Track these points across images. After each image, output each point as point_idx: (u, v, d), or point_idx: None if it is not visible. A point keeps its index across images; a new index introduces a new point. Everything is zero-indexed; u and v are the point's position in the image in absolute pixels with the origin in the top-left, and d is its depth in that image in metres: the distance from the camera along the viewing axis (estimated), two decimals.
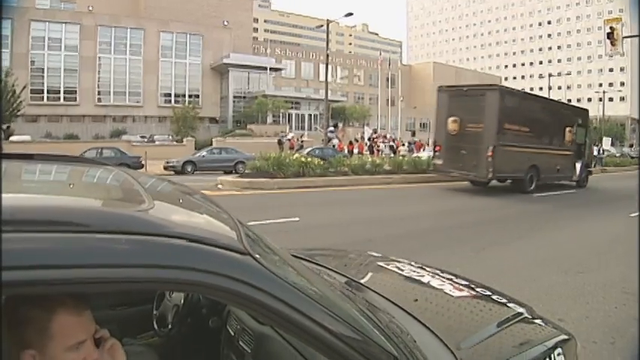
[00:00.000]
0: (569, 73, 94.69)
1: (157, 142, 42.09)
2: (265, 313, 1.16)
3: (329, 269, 2.46)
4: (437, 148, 18.20)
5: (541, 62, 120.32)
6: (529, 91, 30.09)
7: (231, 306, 1.16)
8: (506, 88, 19.88)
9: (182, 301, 2.51)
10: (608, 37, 20.66)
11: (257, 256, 1.20)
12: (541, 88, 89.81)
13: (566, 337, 2.15)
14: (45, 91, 51.05)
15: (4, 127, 34.75)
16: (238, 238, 1.23)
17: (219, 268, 1.10)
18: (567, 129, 19.67)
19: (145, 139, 43.73)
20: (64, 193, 1.46)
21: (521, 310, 2.37)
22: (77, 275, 0.99)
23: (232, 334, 2.33)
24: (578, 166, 20.68)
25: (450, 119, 16.99)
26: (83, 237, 1.02)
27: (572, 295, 6.02)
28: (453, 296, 2.49)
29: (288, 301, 1.17)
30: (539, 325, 2.26)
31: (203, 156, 28.08)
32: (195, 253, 1.09)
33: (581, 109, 23.23)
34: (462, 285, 2.67)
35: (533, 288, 6.05)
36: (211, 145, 34.86)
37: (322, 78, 47.61)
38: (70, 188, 1.55)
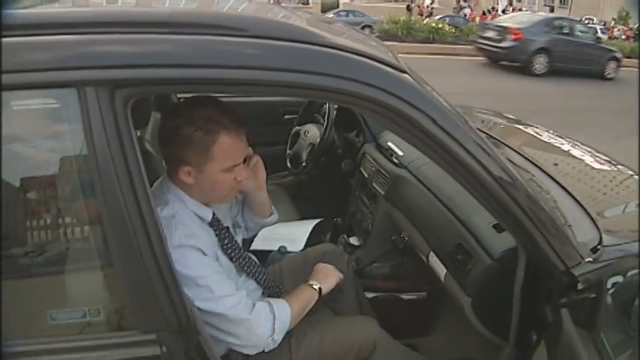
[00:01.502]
0: None
1: (282, 4, 41.66)
2: (419, 135, 1.14)
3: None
4: None
5: None
6: None
7: (386, 125, 1.14)
8: None
9: (318, 140, 2.52)
10: None
11: (415, 76, 1.17)
12: None
13: None
14: None
15: None
16: (396, 59, 1.19)
17: (378, 82, 1.08)
18: None
19: (271, 0, 43.47)
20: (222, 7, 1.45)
21: None
22: (235, 76, 1.02)
23: (366, 176, 2.35)
24: None
25: None
26: (241, 41, 1.02)
27: None
28: (593, 167, 2.37)
29: (444, 126, 1.14)
30: None
31: (331, 18, 27.38)
32: (356, 63, 1.08)
33: None
34: (603, 159, 2.51)
35: None
36: (338, 7, 33.87)
37: None
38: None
